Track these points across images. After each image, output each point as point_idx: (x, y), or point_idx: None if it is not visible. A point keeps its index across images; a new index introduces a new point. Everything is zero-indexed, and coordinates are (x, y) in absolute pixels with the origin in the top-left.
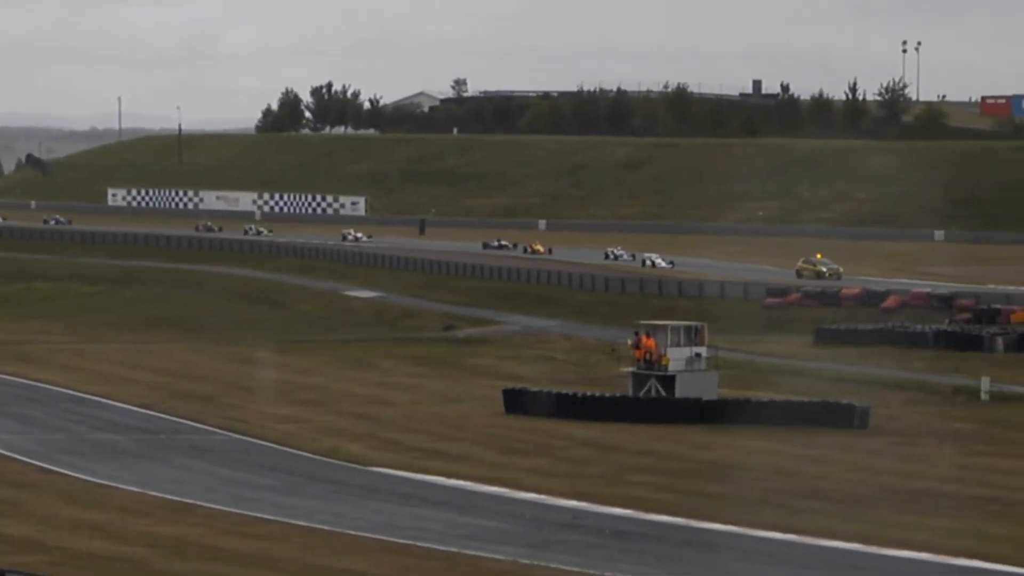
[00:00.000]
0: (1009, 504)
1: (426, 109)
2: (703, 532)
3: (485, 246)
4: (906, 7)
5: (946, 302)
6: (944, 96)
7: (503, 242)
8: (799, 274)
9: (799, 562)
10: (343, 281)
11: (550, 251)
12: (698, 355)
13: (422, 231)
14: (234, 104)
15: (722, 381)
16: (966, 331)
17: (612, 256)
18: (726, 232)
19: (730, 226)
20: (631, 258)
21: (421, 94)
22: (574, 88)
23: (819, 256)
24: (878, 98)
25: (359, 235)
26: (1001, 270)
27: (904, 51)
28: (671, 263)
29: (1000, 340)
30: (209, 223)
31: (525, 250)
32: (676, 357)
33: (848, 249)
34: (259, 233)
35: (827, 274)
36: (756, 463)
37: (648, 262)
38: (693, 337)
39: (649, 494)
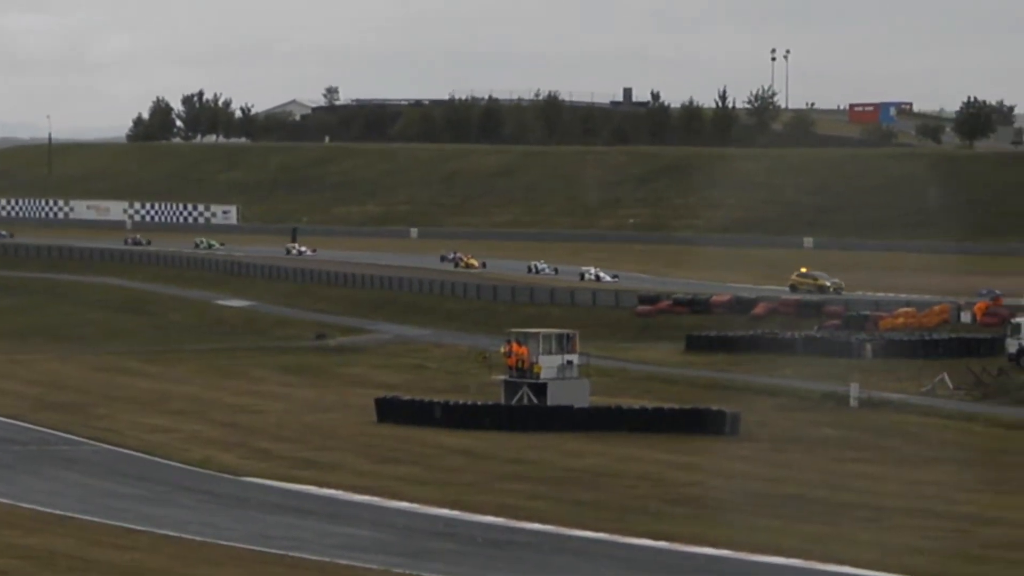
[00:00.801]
0: (877, 510)
1: (298, 117)
2: (575, 540)
3: (443, 259)
4: (775, 15)
5: (815, 309)
6: (813, 104)
7: (457, 255)
8: (794, 288)
9: (670, 569)
10: (214, 290)
11: (484, 265)
12: (570, 363)
13: (294, 240)
14: (105, 113)
15: (594, 388)
16: (835, 338)
17: (534, 270)
18: (598, 239)
19: (602, 233)
20: (554, 271)
21: (293, 102)
22: (446, 96)
23: (804, 270)
24: (748, 106)
25: (303, 249)
26: (869, 276)
27: (773, 59)
28: (615, 277)
29: (869, 346)
30: (138, 236)
31: (457, 264)
32: (548, 365)
33: (718, 256)
34: (210, 247)
35: (830, 288)
36: (627, 470)
37: (589, 276)
38: (565, 345)
39: (521, 502)
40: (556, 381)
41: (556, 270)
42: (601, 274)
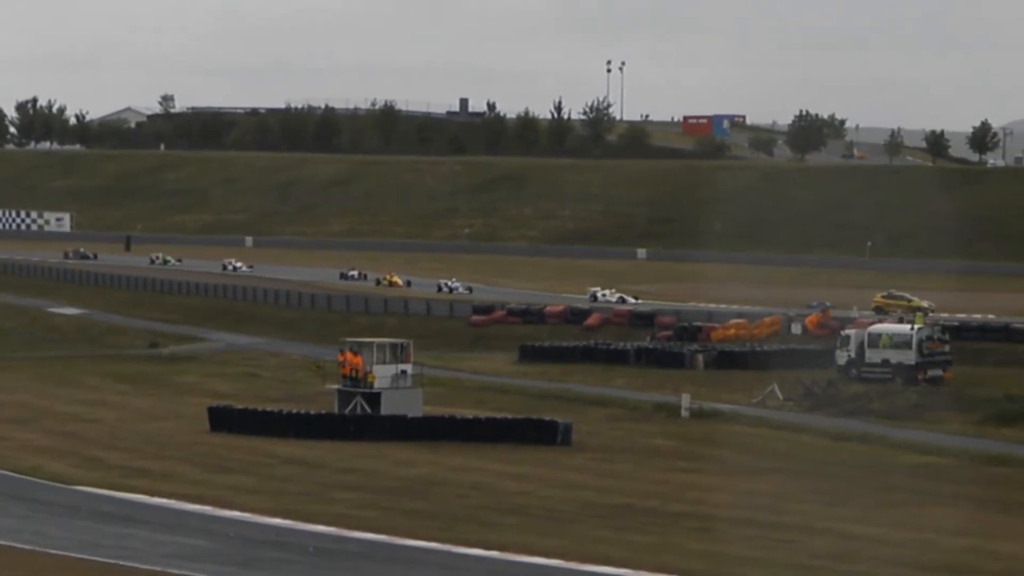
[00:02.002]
0: (707, 519)
1: (133, 125)
2: (406, 549)
3: (343, 276)
4: (611, 27)
5: (647, 320)
6: (647, 116)
7: (354, 272)
8: (881, 310)
9: None
10: (47, 297)
11: (408, 284)
12: (404, 372)
13: (127, 248)
14: None
15: (428, 398)
16: (667, 348)
17: (446, 288)
18: (433, 249)
19: (437, 243)
20: (468, 290)
21: (128, 109)
22: (282, 105)
23: (889, 292)
24: (583, 117)
25: (239, 265)
26: (703, 288)
27: (608, 70)
28: (469, 289)
29: (700, 357)
30: (82, 248)
31: (379, 282)
32: (382, 374)
33: (552, 267)
34: (166, 262)
35: (927, 310)
36: (459, 480)
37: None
38: (399, 354)
39: (353, 511)
40: (390, 391)
41: (471, 289)
42: (455, 285)
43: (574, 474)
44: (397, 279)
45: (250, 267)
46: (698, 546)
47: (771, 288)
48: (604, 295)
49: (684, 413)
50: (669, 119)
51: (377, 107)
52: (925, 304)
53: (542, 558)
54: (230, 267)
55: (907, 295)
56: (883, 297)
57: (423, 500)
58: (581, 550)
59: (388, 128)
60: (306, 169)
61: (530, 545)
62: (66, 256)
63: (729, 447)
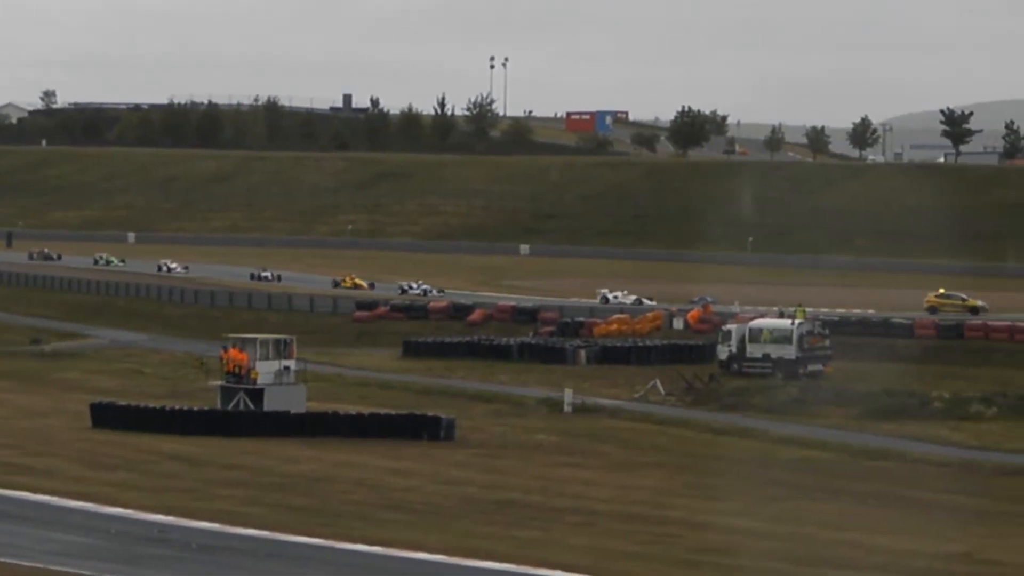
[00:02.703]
0: (589, 514)
1: (14, 120)
2: (290, 545)
3: (253, 277)
4: (494, 24)
5: (530, 315)
6: (530, 112)
7: (267, 273)
8: (934, 310)
9: (384, 574)
10: None
11: (372, 286)
12: (287, 368)
13: (9, 244)
14: None
15: (311, 394)
16: (550, 344)
17: (413, 290)
18: (316, 245)
19: (320, 239)
20: (439, 292)
21: (9, 105)
22: (165, 101)
23: (942, 290)
24: (466, 113)
25: (174, 266)
26: (585, 283)
27: (492, 67)
28: (441, 291)
29: (583, 353)
30: (46, 249)
31: (336, 284)
32: (265, 371)
33: (436, 262)
34: (108, 263)
35: (981, 309)
36: (343, 476)
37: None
38: (282, 351)
39: (236, 508)
40: (273, 387)
41: (441, 291)
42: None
43: (457, 470)
44: (360, 281)
45: (185, 268)
46: (580, 541)
47: (653, 283)
48: (616, 296)
49: (567, 408)
50: (552, 115)
51: (260, 103)
52: (979, 303)
53: (426, 554)
54: (164, 268)
55: (961, 294)
56: (936, 296)
57: (307, 496)
58: (464, 545)
59: (271, 124)
60: (189, 165)
61: (414, 541)
62: (31, 258)
63: (611, 442)
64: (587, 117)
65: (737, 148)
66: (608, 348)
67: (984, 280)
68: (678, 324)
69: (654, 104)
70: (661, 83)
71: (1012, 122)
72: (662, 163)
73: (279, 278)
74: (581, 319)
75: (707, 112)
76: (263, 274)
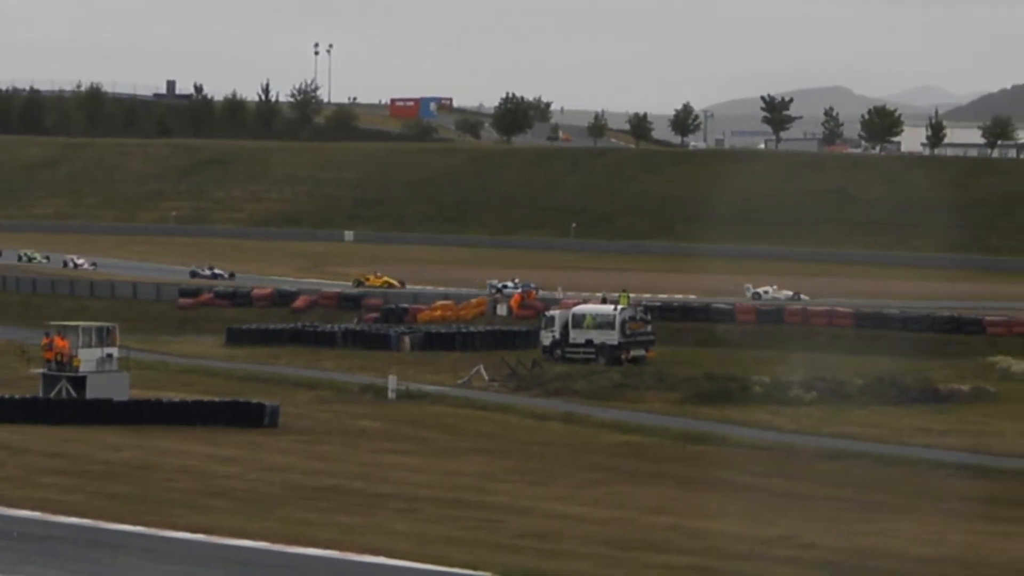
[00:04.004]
0: (412, 500)
1: None
2: (112, 533)
3: (194, 274)
4: (318, 9)
5: (355, 302)
6: (355, 98)
7: (207, 271)
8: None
9: (207, 561)
10: None
11: (403, 284)
12: (110, 356)
13: None
14: None
15: (134, 382)
16: (374, 330)
17: (200, 273)
18: (140, 232)
19: (144, 226)
20: (229, 276)
21: None
22: None
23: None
24: (291, 99)
25: (80, 261)
26: (410, 270)
27: (316, 53)
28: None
29: (407, 339)
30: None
31: (360, 284)
32: (87, 358)
33: (260, 249)
34: (31, 260)
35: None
36: (166, 463)
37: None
38: (105, 338)
39: (58, 496)
40: (95, 374)
41: (232, 274)
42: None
43: (281, 456)
44: (391, 279)
45: (93, 264)
46: (404, 527)
47: (479, 269)
48: (767, 292)
49: (391, 394)
50: (376, 101)
51: (83, 89)
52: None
53: (249, 540)
54: (71, 264)
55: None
56: None
57: (130, 484)
58: (288, 532)
59: (94, 110)
60: (11, 152)
61: (237, 528)
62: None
63: (435, 428)
64: (411, 104)
65: (560, 134)
66: (432, 334)
67: (804, 264)
68: (501, 310)
69: (478, 91)
70: (486, 69)
71: (831, 109)
72: (486, 149)
73: (232, 276)
74: (405, 305)
75: (531, 99)
76: (204, 272)
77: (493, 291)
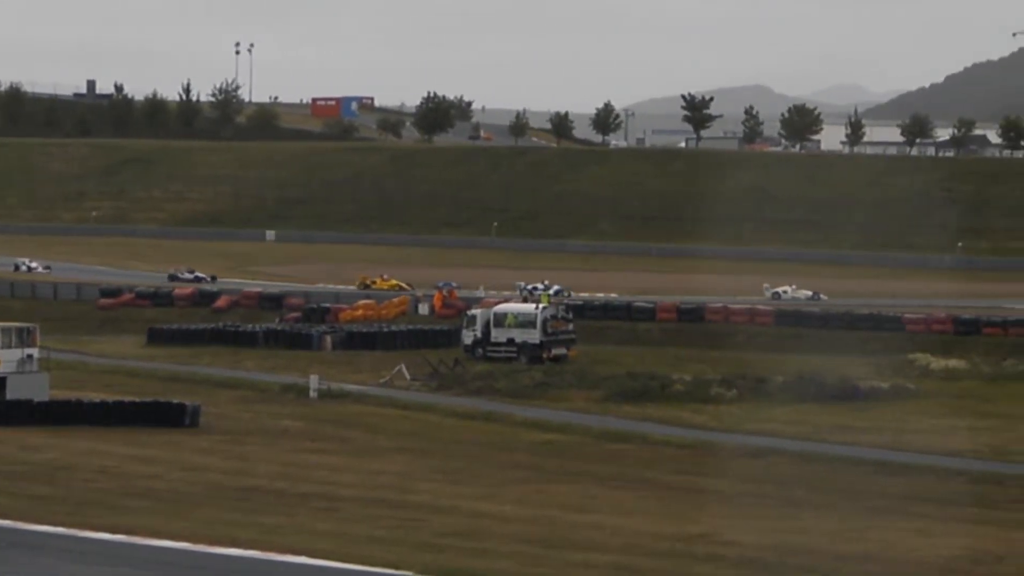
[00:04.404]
0: (334, 500)
1: None
2: (31, 534)
3: (172, 277)
4: (239, 9)
5: (276, 301)
6: (276, 98)
7: (195, 272)
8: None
9: (128, 562)
10: None
11: (411, 287)
12: (30, 357)
13: None
14: None
15: (55, 382)
16: (296, 330)
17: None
18: (61, 232)
19: (65, 227)
20: (46, 269)
21: None
22: None
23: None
24: (212, 99)
25: (33, 264)
26: (331, 269)
27: (237, 52)
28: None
29: (329, 338)
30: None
31: (367, 286)
32: (7, 359)
33: (182, 249)
34: (30, 270)
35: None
36: (86, 464)
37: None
38: (25, 339)
39: None
40: (15, 375)
41: (48, 267)
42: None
43: (202, 456)
44: (400, 282)
45: (47, 268)
46: (325, 526)
47: (401, 269)
48: (786, 291)
49: (312, 394)
50: (298, 101)
51: (2, 89)
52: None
53: (170, 541)
54: (24, 267)
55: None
56: None
57: (49, 485)
58: (209, 532)
59: (14, 110)
60: None
61: (158, 528)
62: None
63: (357, 427)
64: (333, 103)
65: (482, 134)
66: (354, 333)
67: (727, 263)
68: (423, 309)
69: (400, 90)
70: (407, 69)
71: (751, 107)
72: (408, 149)
73: (214, 279)
74: (327, 305)
75: (452, 98)
76: (183, 273)
77: (523, 293)
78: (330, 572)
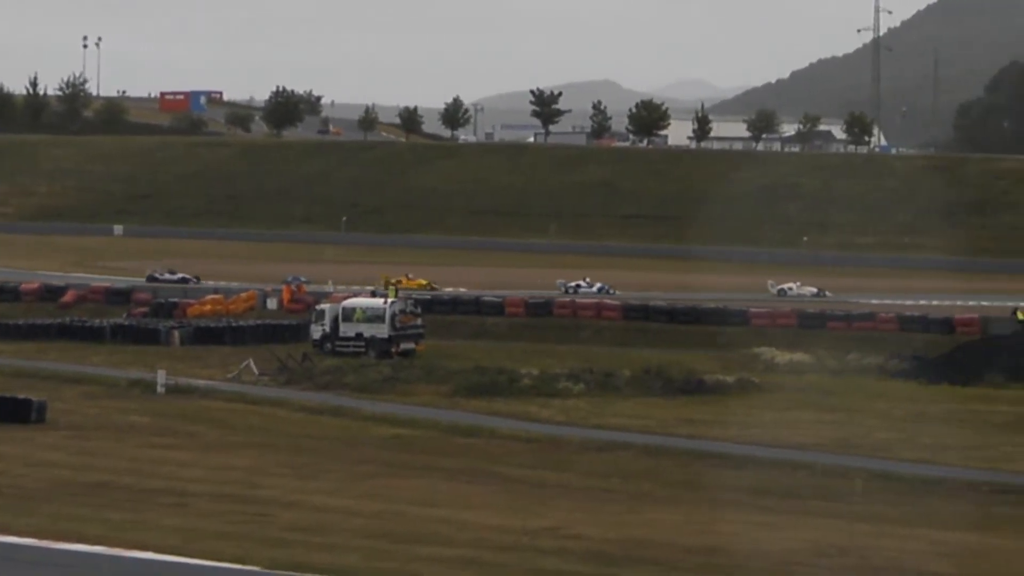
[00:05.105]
0: (182, 495)
1: None
2: None
3: (152, 278)
4: (87, 2)
5: (124, 296)
6: (124, 91)
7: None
8: None
9: None
10: None
11: (436, 288)
12: None
13: None
14: None
15: None
16: (143, 325)
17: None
18: None
19: None
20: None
21: None
22: None
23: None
24: (59, 93)
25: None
26: (181, 263)
27: (85, 46)
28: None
29: (177, 334)
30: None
31: (396, 288)
32: None
33: (29, 244)
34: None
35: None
36: None
37: None
38: None
39: None
40: None
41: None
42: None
43: (48, 452)
44: (426, 281)
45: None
46: (173, 522)
47: (249, 263)
48: (791, 288)
49: (160, 389)
50: (146, 95)
51: None
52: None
53: (15, 537)
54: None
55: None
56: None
57: None
58: (55, 528)
59: None
60: None
61: (4, 524)
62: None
63: (205, 422)
64: (181, 97)
65: (331, 128)
66: (202, 329)
67: (578, 258)
68: (272, 304)
69: (249, 84)
70: (256, 63)
71: (599, 102)
72: (257, 143)
73: (198, 280)
74: (175, 300)
75: (301, 92)
76: (164, 275)
77: (564, 290)
78: (178, 567)
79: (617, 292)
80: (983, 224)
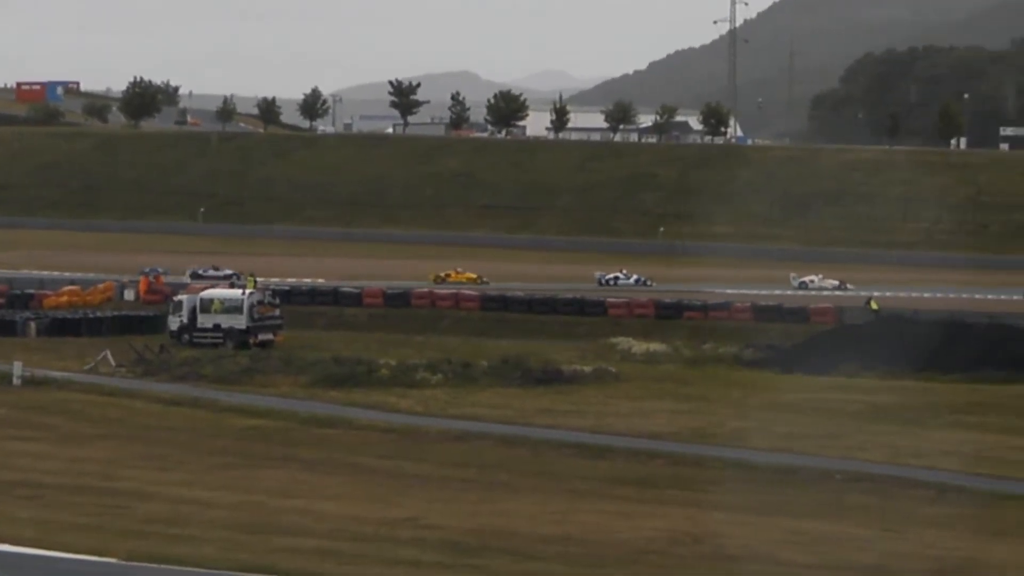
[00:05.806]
0: (38, 487)
1: None
2: None
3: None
4: None
5: None
6: None
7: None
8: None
9: None
10: None
11: (486, 280)
12: None
13: None
14: None
15: None
16: None
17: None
18: None
19: None
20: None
21: None
22: None
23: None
24: None
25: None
26: (35, 255)
27: None
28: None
29: (33, 325)
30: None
31: (443, 280)
32: None
33: None
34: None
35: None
36: None
37: None
38: None
39: None
40: None
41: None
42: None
43: None
44: (473, 275)
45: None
46: (28, 514)
47: (107, 254)
48: (812, 280)
49: (16, 381)
50: (2, 86)
51: None
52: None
53: None
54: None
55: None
56: None
57: None
58: None
59: None
60: None
61: None
62: None
63: (61, 414)
64: (37, 87)
65: (189, 119)
66: (59, 320)
67: (432, 247)
68: (129, 295)
69: (106, 75)
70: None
71: (458, 93)
72: (114, 134)
73: (237, 278)
74: (31, 291)
75: (159, 83)
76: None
77: (603, 283)
78: (34, 560)
79: (653, 284)
80: (839, 214)
